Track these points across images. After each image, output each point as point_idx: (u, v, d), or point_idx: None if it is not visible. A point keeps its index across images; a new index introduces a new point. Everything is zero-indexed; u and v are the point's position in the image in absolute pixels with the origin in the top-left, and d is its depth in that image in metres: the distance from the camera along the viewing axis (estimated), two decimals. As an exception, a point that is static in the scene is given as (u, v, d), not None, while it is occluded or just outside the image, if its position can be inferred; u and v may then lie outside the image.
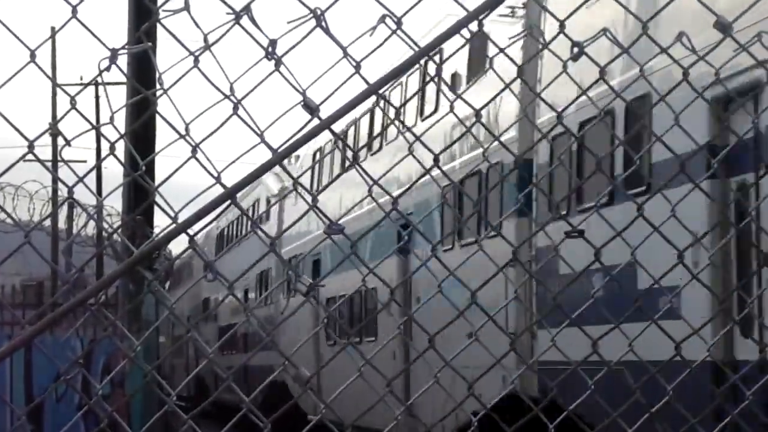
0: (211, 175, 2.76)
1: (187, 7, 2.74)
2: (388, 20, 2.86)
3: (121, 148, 2.85)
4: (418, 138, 3.23)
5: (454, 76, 16.96)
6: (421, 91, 18.60)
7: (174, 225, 2.76)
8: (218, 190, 2.77)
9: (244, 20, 2.73)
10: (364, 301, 21.65)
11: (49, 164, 33.35)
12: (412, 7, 2.96)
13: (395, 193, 3.10)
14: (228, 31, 2.75)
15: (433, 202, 16.99)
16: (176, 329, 42.66)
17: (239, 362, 29.94)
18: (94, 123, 2.88)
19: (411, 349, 17.53)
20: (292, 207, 28.08)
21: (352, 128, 23.28)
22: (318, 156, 26.41)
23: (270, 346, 3.35)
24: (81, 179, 2.77)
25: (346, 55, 2.84)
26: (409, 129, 3.75)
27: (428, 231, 17.01)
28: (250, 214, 32.79)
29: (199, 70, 2.76)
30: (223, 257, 36.09)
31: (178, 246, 2.94)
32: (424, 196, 17.24)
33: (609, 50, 3.31)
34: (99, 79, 35.12)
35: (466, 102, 3.20)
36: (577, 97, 3.58)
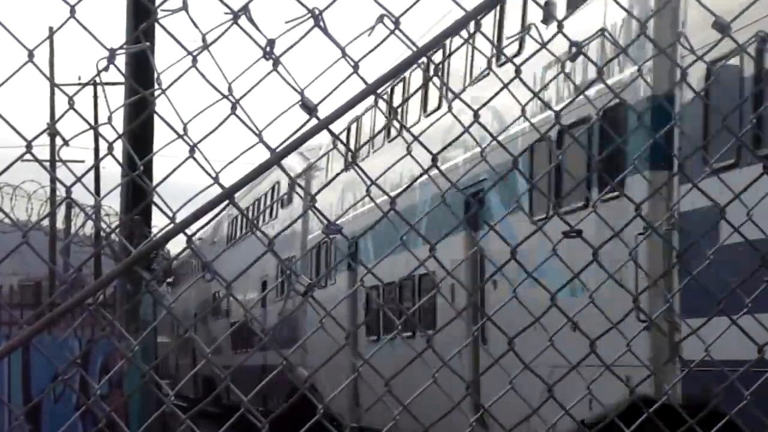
0: (210, 175, 2.76)
1: (185, 7, 2.74)
2: (386, 20, 2.86)
3: (119, 148, 2.85)
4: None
5: (548, 4, 13.97)
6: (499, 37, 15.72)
7: (172, 225, 2.76)
8: (216, 190, 2.77)
9: (242, 20, 2.73)
10: (418, 288, 18.15)
11: (47, 164, 33.32)
12: (410, 7, 2.96)
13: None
14: (226, 30, 2.75)
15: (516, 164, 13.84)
16: (181, 328, 41.73)
17: (254, 361, 28.25)
18: (92, 123, 2.88)
19: (473, 345, 14.81)
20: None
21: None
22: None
23: (268, 345, 3.32)
24: (79, 179, 2.77)
25: (344, 54, 2.84)
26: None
27: (510, 200, 13.78)
28: (270, 197, 31.09)
29: (197, 70, 2.76)
30: (237, 248, 34.05)
31: (176, 246, 2.94)
32: (502, 157, 13.82)
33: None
34: (97, 79, 35.07)
35: (464, 102, 3.20)
36: (575, 98, 3.57)
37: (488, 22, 16.31)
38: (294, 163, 27.83)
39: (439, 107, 17.68)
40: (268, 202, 31.29)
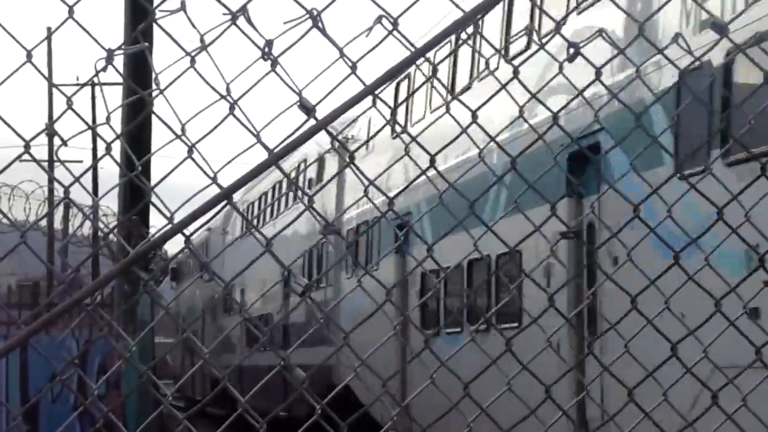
0: (207, 175, 2.77)
1: (183, 8, 2.74)
2: (384, 21, 2.86)
3: (117, 149, 2.85)
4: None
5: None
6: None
7: (170, 225, 2.76)
8: (214, 191, 2.77)
9: (241, 21, 2.74)
10: (495, 273, 14.22)
11: (45, 164, 33.23)
12: (408, 8, 2.96)
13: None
14: (224, 31, 2.75)
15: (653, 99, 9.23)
16: (186, 327, 39.66)
17: (274, 360, 26.73)
18: (91, 123, 2.88)
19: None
20: (360, 160, 20.30)
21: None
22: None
23: (267, 346, 3.31)
24: (77, 179, 2.77)
25: (342, 55, 2.84)
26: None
27: (639, 150, 7.49)
28: (294, 177, 27.78)
29: (196, 70, 2.76)
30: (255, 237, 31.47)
31: (175, 246, 2.93)
32: (629, 97, 9.06)
33: None
34: (95, 80, 35.14)
35: (462, 103, 3.19)
36: (571, 100, 3.57)
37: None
38: (323, 138, 25.48)
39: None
40: (293, 184, 28.77)
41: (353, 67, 2.85)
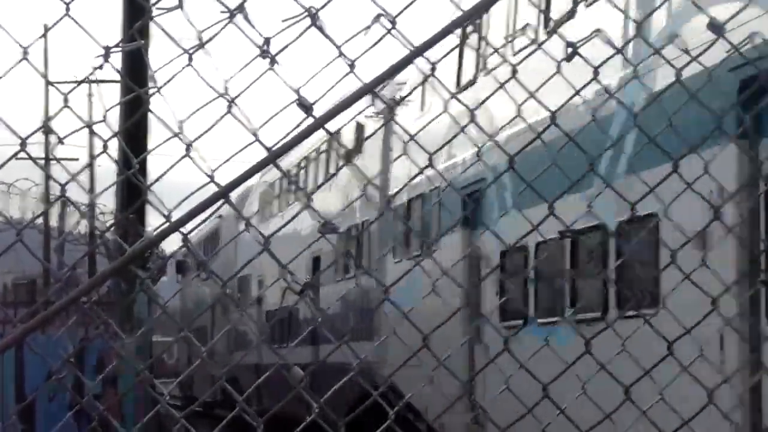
0: (205, 173, 2.76)
1: (180, 5, 2.73)
2: (383, 19, 2.85)
3: (114, 147, 2.84)
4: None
5: None
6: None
7: (167, 224, 2.75)
8: (212, 189, 2.76)
9: (239, 18, 2.73)
10: (617, 242, 10.66)
11: (41, 162, 33.07)
12: (406, 7, 2.95)
13: None
14: (222, 29, 2.74)
15: None
16: (193, 324, 37.90)
17: (298, 358, 23.32)
18: (87, 121, 2.87)
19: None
20: (415, 120, 16.60)
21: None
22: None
23: (266, 343, 3.27)
24: (73, 177, 2.76)
25: (340, 54, 2.83)
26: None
27: None
28: (326, 149, 25.15)
29: (193, 68, 2.76)
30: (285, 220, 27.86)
31: (173, 244, 2.93)
32: None
33: None
34: (92, 77, 35.13)
35: (460, 101, 3.18)
36: (570, 98, 3.55)
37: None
38: (364, 102, 21.86)
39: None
40: (322, 162, 25.88)
41: (352, 66, 2.84)
